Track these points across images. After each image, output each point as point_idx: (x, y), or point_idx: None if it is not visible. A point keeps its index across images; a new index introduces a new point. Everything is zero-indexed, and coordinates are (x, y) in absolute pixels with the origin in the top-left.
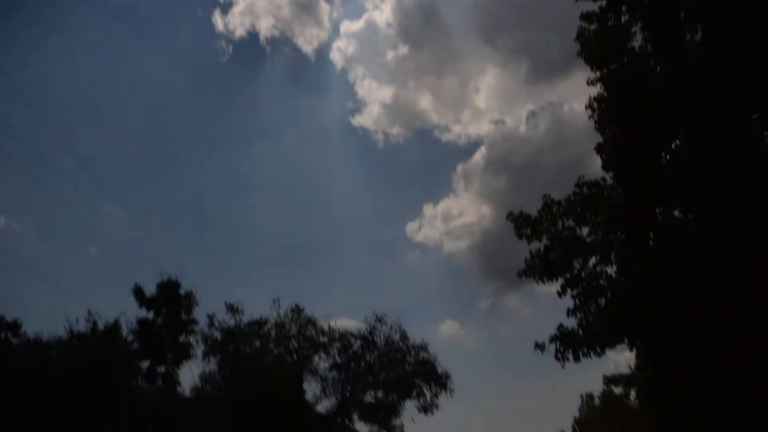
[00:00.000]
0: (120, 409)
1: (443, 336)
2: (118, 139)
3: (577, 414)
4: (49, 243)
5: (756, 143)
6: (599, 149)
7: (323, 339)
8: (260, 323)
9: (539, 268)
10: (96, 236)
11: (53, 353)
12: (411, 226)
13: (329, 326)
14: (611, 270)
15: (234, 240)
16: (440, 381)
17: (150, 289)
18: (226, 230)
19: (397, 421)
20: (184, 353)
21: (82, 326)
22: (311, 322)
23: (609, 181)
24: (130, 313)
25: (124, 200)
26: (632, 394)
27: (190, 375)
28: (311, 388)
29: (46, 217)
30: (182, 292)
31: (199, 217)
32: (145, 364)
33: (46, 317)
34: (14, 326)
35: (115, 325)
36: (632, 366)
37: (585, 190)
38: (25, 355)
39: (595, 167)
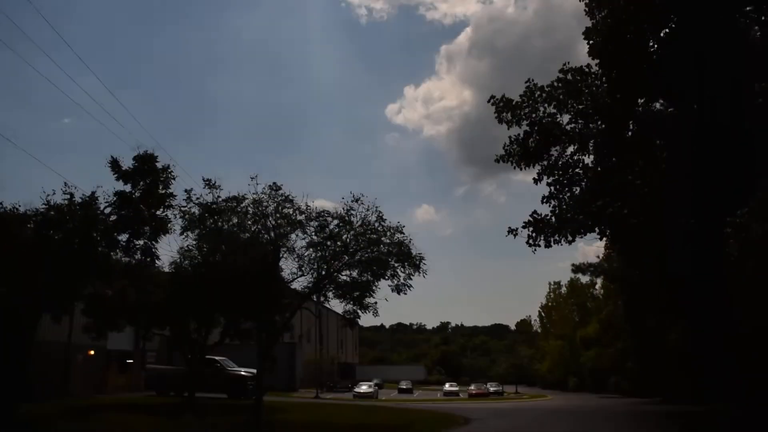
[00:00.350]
0: (99, 280)
1: (419, 220)
2: (92, 10)
3: (544, 300)
4: (24, 113)
5: (747, 36)
6: (587, 34)
7: (300, 217)
8: (238, 199)
9: (517, 154)
10: (71, 108)
11: (30, 224)
12: (391, 108)
13: (306, 205)
14: (588, 159)
15: (211, 114)
16: (414, 262)
17: (127, 162)
18: (203, 104)
19: (370, 300)
20: (162, 227)
21: (58, 198)
22: (288, 200)
23: (594, 68)
24: (107, 187)
25: (100, 71)
26: (598, 284)
27: (168, 249)
28: (288, 266)
29: (20, 87)
30: (159, 165)
31: (175, 90)
32: (123, 237)
33: (22, 189)
34: None
35: (92, 198)
36: (600, 256)
37: (569, 76)
38: (1, 226)
39: (581, 55)
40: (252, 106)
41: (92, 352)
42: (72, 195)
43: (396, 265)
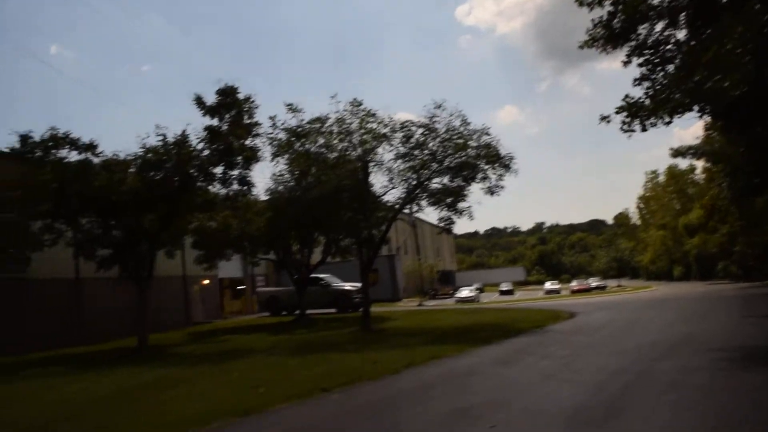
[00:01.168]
0: (202, 213)
1: (502, 121)
2: None
3: (641, 191)
4: (102, 66)
5: None
6: None
7: (384, 130)
8: (321, 120)
9: (602, 37)
10: (147, 54)
11: (132, 168)
12: (461, 10)
13: (389, 117)
14: (681, 34)
15: (280, 39)
16: (504, 162)
17: (210, 98)
18: (273, 31)
19: (463, 204)
20: (253, 156)
21: (153, 141)
22: (371, 114)
23: None
24: (195, 124)
25: (168, 13)
26: (698, 168)
27: (261, 178)
28: (378, 180)
29: (95, 40)
30: (241, 96)
31: (244, 21)
32: (218, 170)
33: (118, 136)
34: (91, 146)
35: (184, 136)
36: (700, 137)
37: None
38: (108, 173)
39: None
40: (318, 25)
41: (205, 282)
42: (165, 136)
43: (486, 167)
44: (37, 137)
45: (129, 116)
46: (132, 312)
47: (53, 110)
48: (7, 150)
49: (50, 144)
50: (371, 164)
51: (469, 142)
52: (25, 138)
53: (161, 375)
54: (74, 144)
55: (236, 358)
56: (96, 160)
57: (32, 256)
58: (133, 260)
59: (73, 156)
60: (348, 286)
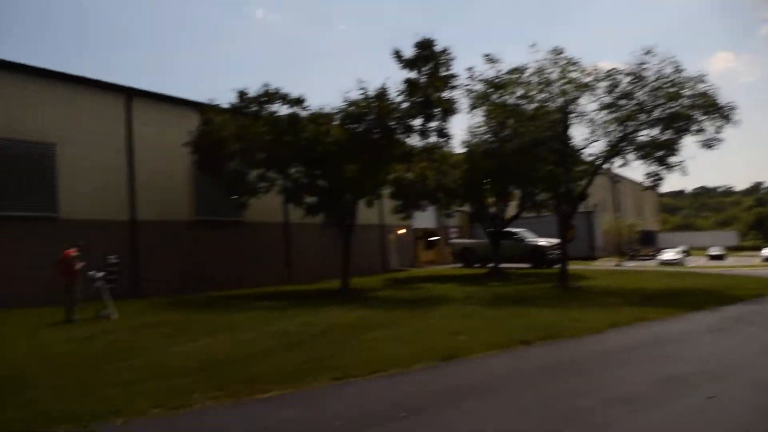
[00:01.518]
0: (401, 164)
1: (714, 70)
2: None
3: None
4: (304, 27)
5: None
6: None
7: (587, 79)
8: (520, 70)
9: None
10: (343, 13)
11: (336, 121)
12: None
13: (593, 67)
14: None
15: None
16: (723, 113)
17: (407, 52)
18: None
19: (675, 159)
20: (450, 108)
21: (355, 95)
22: (572, 63)
23: None
24: (394, 78)
25: None
26: None
27: (458, 129)
28: (579, 132)
29: (295, 3)
30: (437, 49)
31: None
32: (417, 122)
33: (320, 93)
34: (300, 101)
35: (383, 89)
36: None
37: None
38: (313, 124)
39: None
40: None
41: (401, 231)
42: (365, 89)
43: (702, 118)
44: (252, 93)
45: (329, 73)
46: (332, 256)
47: (264, 69)
48: (228, 106)
49: (264, 99)
50: (572, 116)
51: (682, 91)
52: (242, 94)
53: (364, 316)
54: (285, 99)
55: (432, 305)
56: (303, 113)
57: (249, 202)
58: (336, 208)
59: (284, 110)
60: (543, 241)
